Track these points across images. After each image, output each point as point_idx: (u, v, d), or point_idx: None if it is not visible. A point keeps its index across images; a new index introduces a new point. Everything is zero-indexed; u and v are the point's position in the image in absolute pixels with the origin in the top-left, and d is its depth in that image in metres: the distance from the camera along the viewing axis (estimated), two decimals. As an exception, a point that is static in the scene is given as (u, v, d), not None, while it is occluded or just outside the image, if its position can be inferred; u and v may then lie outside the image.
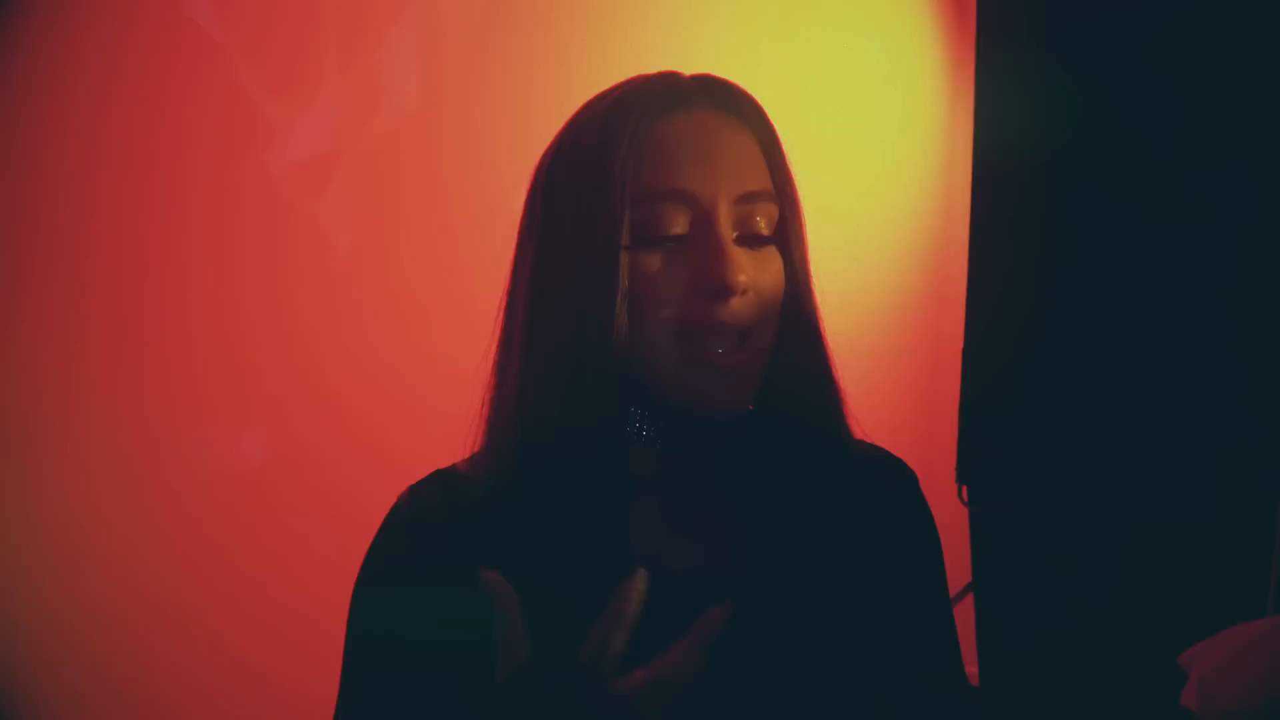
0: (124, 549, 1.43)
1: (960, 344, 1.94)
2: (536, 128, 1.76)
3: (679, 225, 0.79)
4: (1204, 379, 1.72)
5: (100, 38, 1.40)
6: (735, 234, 0.80)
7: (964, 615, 1.93)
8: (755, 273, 0.80)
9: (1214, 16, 1.68)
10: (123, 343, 1.43)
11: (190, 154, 1.47)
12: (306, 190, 1.57)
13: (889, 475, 0.94)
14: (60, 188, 1.39)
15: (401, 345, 1.63)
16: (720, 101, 0.83)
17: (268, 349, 1.53)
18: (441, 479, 0.88)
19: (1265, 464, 1.63)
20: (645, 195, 0.79)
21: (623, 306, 0.79)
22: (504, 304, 0.86)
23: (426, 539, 0.84)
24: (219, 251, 1.50)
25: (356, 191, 1.61)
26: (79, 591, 1.39)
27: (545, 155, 0.86)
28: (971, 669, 1.71)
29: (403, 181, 1.65)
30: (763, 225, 0.81)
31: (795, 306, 0.84)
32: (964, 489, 1.93)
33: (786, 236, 0.83)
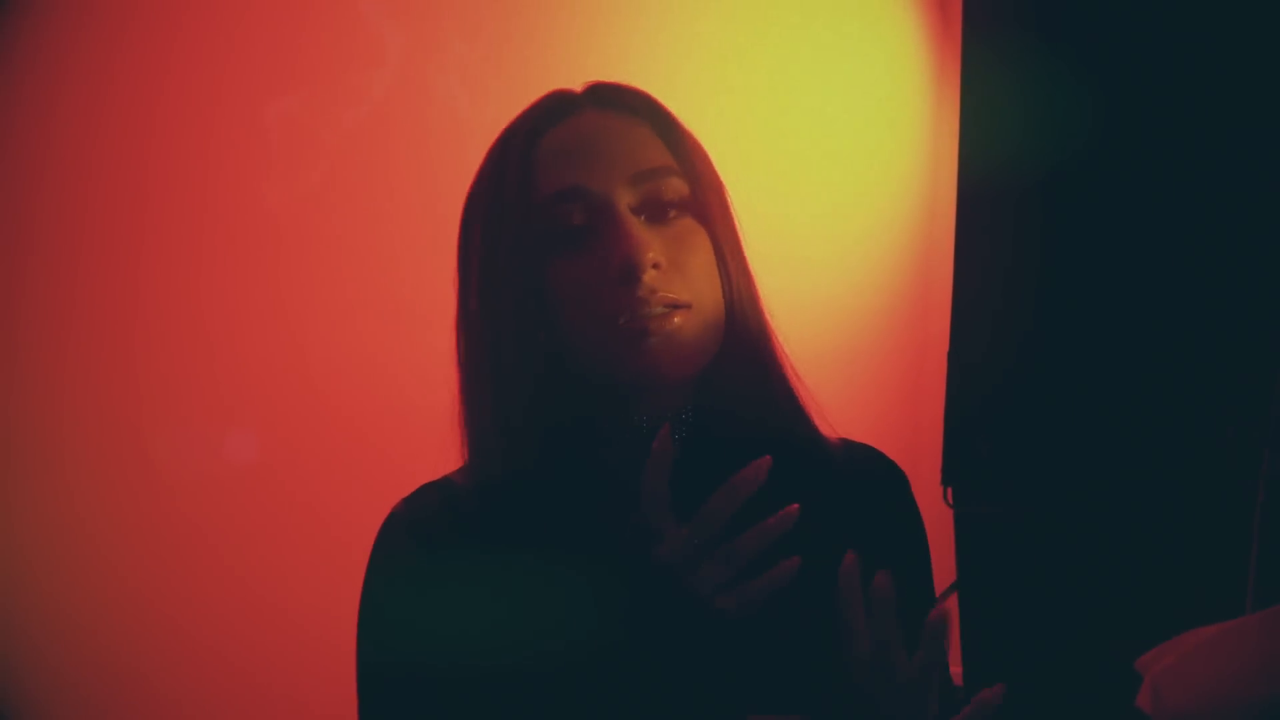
0: (119, 548, 1.43)
1: (945, 347, 1.95)
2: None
3: (580, 220, 0.81)
4: (1186, 384, 1.73)
5: (93, 39, 1.40)
6: (642, 215, 0.81)
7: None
8: (670, 248, 0.81)
9: (1204, 18, 1.69)
10: (116, 343, 1.43)
11: (183, 157, 1.47)
12: (299, 192, 1.57)
13: (877, 474, 0.94)
14: (54, 189, 1.39)
15: (393, 347, 1.63)
16: (607, 103, 0.86)
17: (260, 350, 1.53)
18: (435, 489, 0.89)
19: (1244, 468, 1.65)
20: (542, 203, 0.81)
21: (556, 313, 0.81)
22: (454, 333, 0.87)
23: (432, 547, 0.84)
24: (212, 253, 1.50)
25: (349, 194, 1.62)
26: (74, 590, 1.40)
27: (468, 190, 0.89)
28: (956, 669, 1.72)
29: (393, 183, 1.65)
30: (670, 198, 0.82)
31: (727, 284, 0.84)
32: (949, 491, 1.94)
33: (705, 209, 0.84)
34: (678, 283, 0.80)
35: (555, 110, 0.85)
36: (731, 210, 0.88)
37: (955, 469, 1.93)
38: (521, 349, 0.81)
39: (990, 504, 1.92)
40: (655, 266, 0.79)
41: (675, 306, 0.80)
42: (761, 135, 1.89)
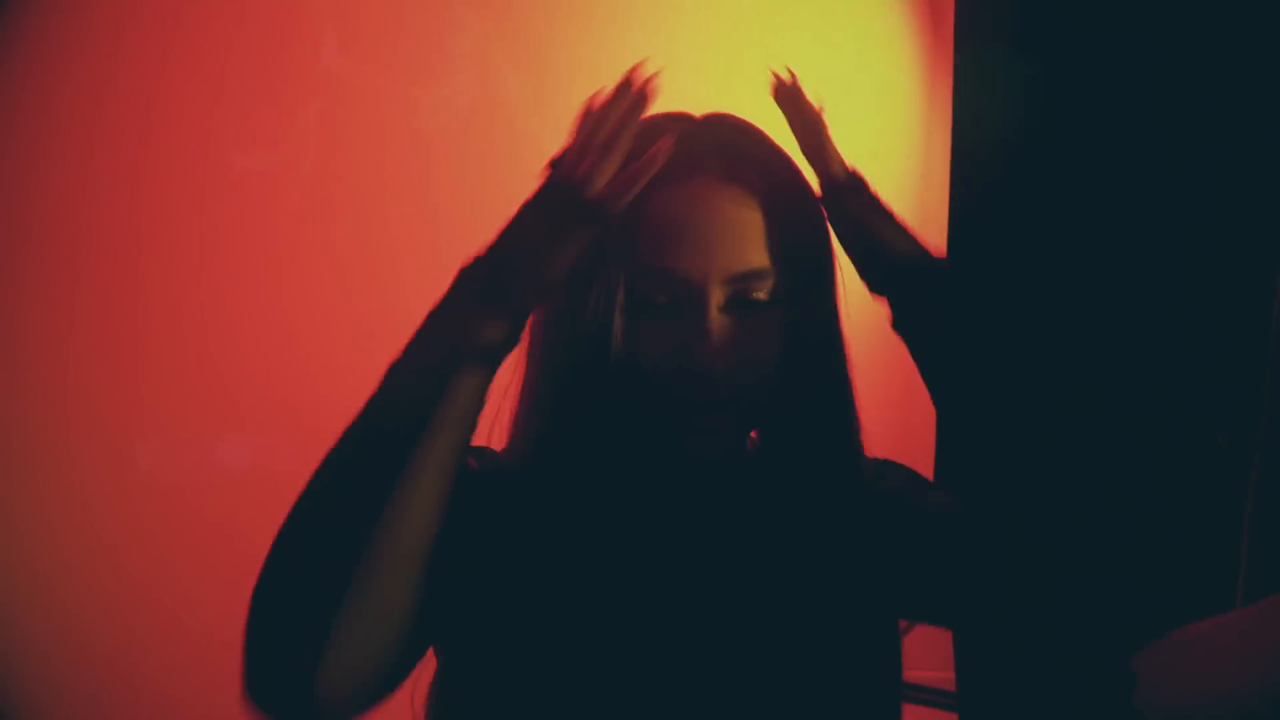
0: (118, 550, 1.43)
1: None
2: (523, 132, 1.79)
3: (669, 297, 0.82)
4: (1176, 387, 1.74)
5: (92, 39, 1.41)
6: (729, 308, 0.82)
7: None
8: (745, 339, 0.82)
9: (1191, 24, 1.71)
10: (115, 347, 1.44)
11: (182, 159, 1.48)
12: (298, 195, 1.58)
13: (876, 476, 0.98)
14: (53, 191, 1.40)
15: (392, 354, 1.64)
16: (725, 168, 0.84)
17: (258, 354, 1.54)
18: (482, 453, 0.90)
19: (1234, 472, 1.66)
20: (641, 271, 0.81)
21: (634, 360, 0.82)
22: (528, 333, 0.88)
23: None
24: (210, 257, 1.51)
25: (347, 200, 1.62)
26: (74, 590, 1.40)
27: None
28: (948, 674, 1.73)
29: (395, 190, 1.66)
30: (760, 296, 0.83)
31: (800, 364, 0.86)
32: (941, 495, 1.94)
33: (795, 301, 0.85)
34: (740, 374, 0.82)
35: (671, 166, 0.81)
36: (825, 284, 0.89)
37: (947, 475, 1.93)
38: (592, 391, 0.82)
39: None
40: (726, 370, 0.81)
41: (729, 401, 0.82)
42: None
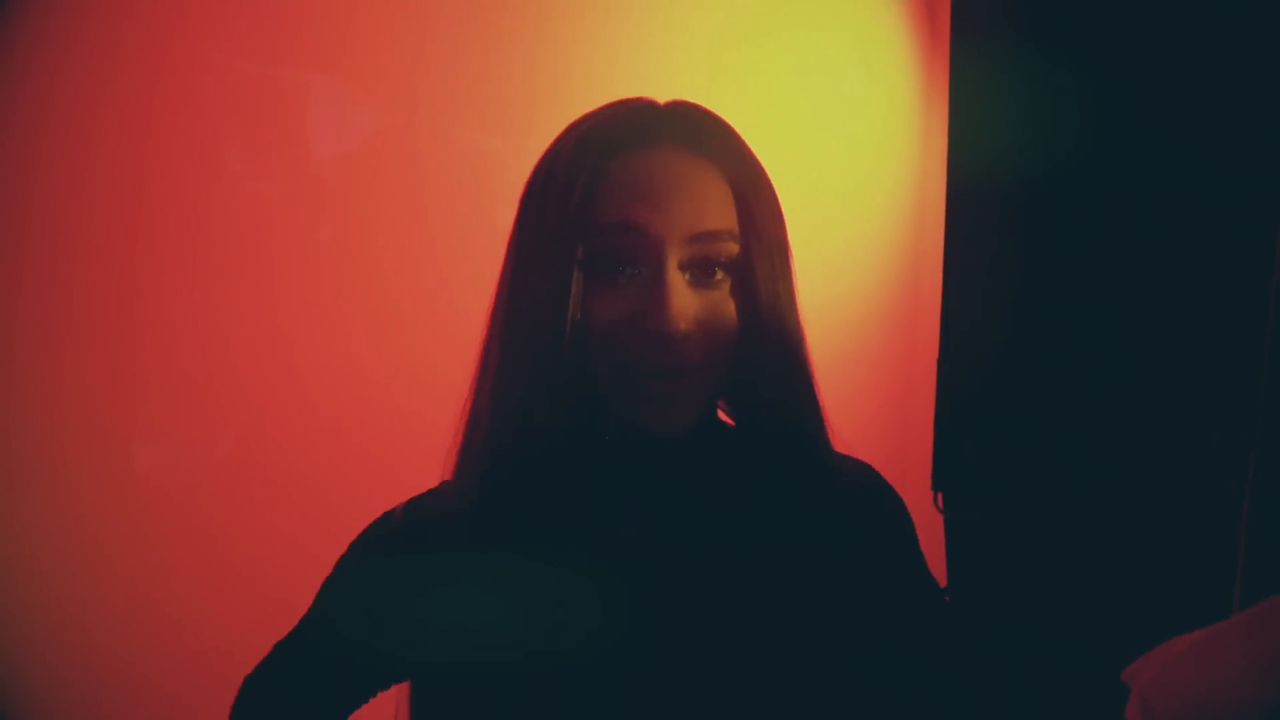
0: (117, 549, 1.44)
1: (935, 353, 1.96)
2: (515, 136, 1.79)
3: (630, 259, 0.80)
4: (1173, 389, 1.75)
5: (92, 39, 1.41)
6: (688, 273, 0.81)
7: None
8: (705, 314, 0.81)
9: (1186, 27, 1.71)
10: (112, 347, 1.44)
11: (177, 163, 1.48)
12: (292, 200, 1.58)
13: (872, 493, 0.95)
14: (51, 191, 1.40)
15: (384, 354, 1.64)
16: (688, 139, 0.83)
17: (253, 355, 1.54)
18: (437, 496, 0.90)
19: (1230, 473, 1.66)
20: (600, 228, 0.80)
21: (575, 332, 0.80)
22: (486, 319, 0.88)
23: (404, 551, 0.86)
24: (205, 258, 1.51)
25: (340, 202, 1.62)
26: (74, 590, 1.41)
27: (528, 178, 0.87)
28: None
29: (385, 190, 1.66)
30: (720, 260, 0.81)
31: (763, 340, 0.84)
32: (939, 496, 1.95)
33: (752, 273, 0.83)
34: (700, 347, 0.81)
35: (635, 134, 0.82)
36: (782, 262, 0.87)
37: (945, 474, 1.94)
38: (551, 355, 0.80)
39: (980, 509, 1.93)
40: (685, 338, 0.79)
41: (688, 371, 0.81)
42: (751, 143, 1.89)
